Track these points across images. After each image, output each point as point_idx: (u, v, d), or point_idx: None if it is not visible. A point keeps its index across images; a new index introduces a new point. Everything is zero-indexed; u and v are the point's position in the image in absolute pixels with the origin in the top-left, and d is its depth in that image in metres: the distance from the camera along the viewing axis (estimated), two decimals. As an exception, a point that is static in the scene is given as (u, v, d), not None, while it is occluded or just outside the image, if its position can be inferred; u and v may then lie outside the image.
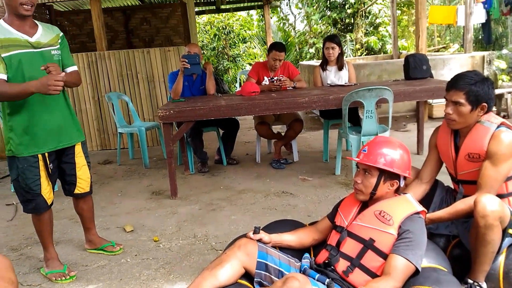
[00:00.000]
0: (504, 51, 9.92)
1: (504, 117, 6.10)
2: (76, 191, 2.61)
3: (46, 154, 2.40)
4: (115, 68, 5.73)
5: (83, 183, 2.62)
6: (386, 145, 1.86)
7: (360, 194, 1.88)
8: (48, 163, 2.42)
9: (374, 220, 1.81)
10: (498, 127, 2.00)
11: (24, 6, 2.22)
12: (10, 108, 2.31)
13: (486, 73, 6.62)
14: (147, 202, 3.73)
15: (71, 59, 2.58)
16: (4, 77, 2.21)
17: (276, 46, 4.39)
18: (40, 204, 2.43)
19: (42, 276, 2.56)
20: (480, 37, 11.27)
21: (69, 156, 2.53)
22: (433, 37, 13.15)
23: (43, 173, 2.40)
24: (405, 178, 1.89)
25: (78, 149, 2.57)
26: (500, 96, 6.17)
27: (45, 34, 2.39)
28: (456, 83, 2.05)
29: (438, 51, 11.30)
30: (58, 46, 2.45)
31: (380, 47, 12.16)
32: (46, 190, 2.43)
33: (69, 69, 2.52)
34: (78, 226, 3.23)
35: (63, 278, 2.48)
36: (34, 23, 2.37)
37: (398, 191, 1.94)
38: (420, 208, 1.84)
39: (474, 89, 1.99)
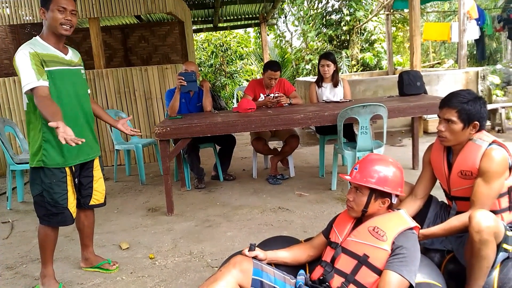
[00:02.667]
0: (498, 66, 10.06)
1: (498, 131, 6.15)
2: (92, 202, 2.67)
3: (73, 168, 2.46)
4: (113, 86, 5.78)
5: (98, 195, 2.69)
6: (378, 163, 1.87)
7: (352, 211, 1.90)
8: (74, 178, 2.48)
9: (368, 236, 1.82)
10: (489, 144, 2.03)
11: (63, 26, 2.35)
12: (46, 120, 2.34)
13: (480, 88, 6.71)
14: (143, 219, 3.73)
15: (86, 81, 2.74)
16: (47, 83, 2.30)
17: (271, 66, 4.45)
18: (67, 217, 2.47)
19: (36, 295, 2.55)
20: (474, 53, 11.43)
21: (88, 170, 2.61)
22: (428, 52, 13.33)
23: (70, 188, 2.46)
24: (397, 195, 1.90)
25: (96, 163, 2.67)
26: (494, 111, 6.23)
27: (74, 55, 2.55)
28: (449, 101, 2.09)
29: (433, 66, 11.44)
30: (83, 67, 2.62)
31: (375, 63, 12.31)
32: (72, 204, 2.49)
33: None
34: (74, 244, 3.23)
35: (58, 296, 2.47)
36: (64, 45, 2.51)
37: (392, 207, 1.96)
38: (414, 224, 1.85)
39: (467, 107, 2.03)
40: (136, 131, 2.76)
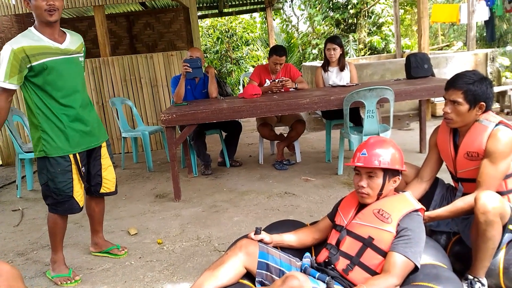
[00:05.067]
0: (508, 47, 9.87)
1: (507, 114, 6.07)
2: (102, 190, 2.69)
3: (78, 157, 2.47)
4: (119, 74, 5.79)
5: (108, 183, 2.71)
6: (381, 145, 1.88)
7: (367, 198, 1.87)
8: (81, 167, 2.49)
9: (373, 219, 1.83)
10: (496, 125, 2.01)
11: (48, 12, 2.29)
12: (43, 110, 2.36)
13: (489, 70, 6.60)
14: (151, 205, 3.77)
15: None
16: (15, 87, 2.28)
17: (277, 51, 4.41)
18: (73, 205, 2.50)
19: (47, 280, 2.59)
20: (484, 35, 11.21)
21: (96, 159, 2.63)
22: (437, 35, 13.11)
23: (75, 176, 2.47)
24: (402, 171, 1.91)
25: (104, 151, 2.67)
26: (504, 93, 6.14)
27: (73, 41, 2.48)
28: (455, 82, 2.07)
29: (441, 49, 11.27)
30: (83, 53, 2.56)
31: (383, 46, 12.15)
32: (78, 192, 2.51)
33: None
34: (83, 231, 3.28)
35: (68, 282, 2.51)
36: (62, 31, 2.46)
37: (397, 190, 1.96)
38: (419, 205, 1.85)
39: (472, 88, 2.00)
40: None
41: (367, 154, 1.86)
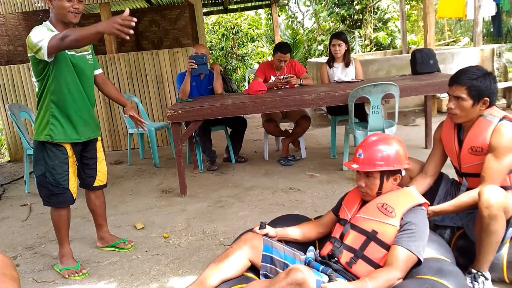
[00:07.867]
0: (516, 43, 9.77)
1: (514, 110, 6.03)
2: (95, 184, 2.74)
3: (75, 148, 2.54)
4: (125, 70, 5.82)
5: (101, 176, 2.76)
6: (380, 144, 1.87)
7: (367, 196, 1.90)
8: (75, 160, 2.56)
9: (376, 213, 1.84)
10: (500, 120, 2.01)
11: (72, 13, 2.36)
12: (53, 95, 2.42)
13: (496, 66, 6.56)
14: (157, 200, 3.80)
15: (97, 62, 2.78)
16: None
17: (281, 48, 4.41)
18: (67, 197, 2.55)
19: (55, 273, 2.64)
20: (491, 30, 11.11)
21: (92, 151, 2.68)
22: (443, 31, 13.03)
23: (71, 169, 2.53)
24: (405, 168, 1.91)
25: (99, 144, 2.74)
26: (511, 88, 6.10)
27: None
28: (458, 78, 2.07)
29: (448, 45, 11.20)
30: (90, 51, 2.64)
31: (389, 42, 12.10)
32: (74, 185, 2.57)
33: (96, 71, 2.74)
34: (90, 225, 3.31)
35: (76, 274, 2.55)
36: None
37: (401, 184, 1.97)
38: (423, 200, 1.86)
39: (476, 84, 2.01)
40: (142, 122, 2.86)
41: (362, 155, 1.87)
